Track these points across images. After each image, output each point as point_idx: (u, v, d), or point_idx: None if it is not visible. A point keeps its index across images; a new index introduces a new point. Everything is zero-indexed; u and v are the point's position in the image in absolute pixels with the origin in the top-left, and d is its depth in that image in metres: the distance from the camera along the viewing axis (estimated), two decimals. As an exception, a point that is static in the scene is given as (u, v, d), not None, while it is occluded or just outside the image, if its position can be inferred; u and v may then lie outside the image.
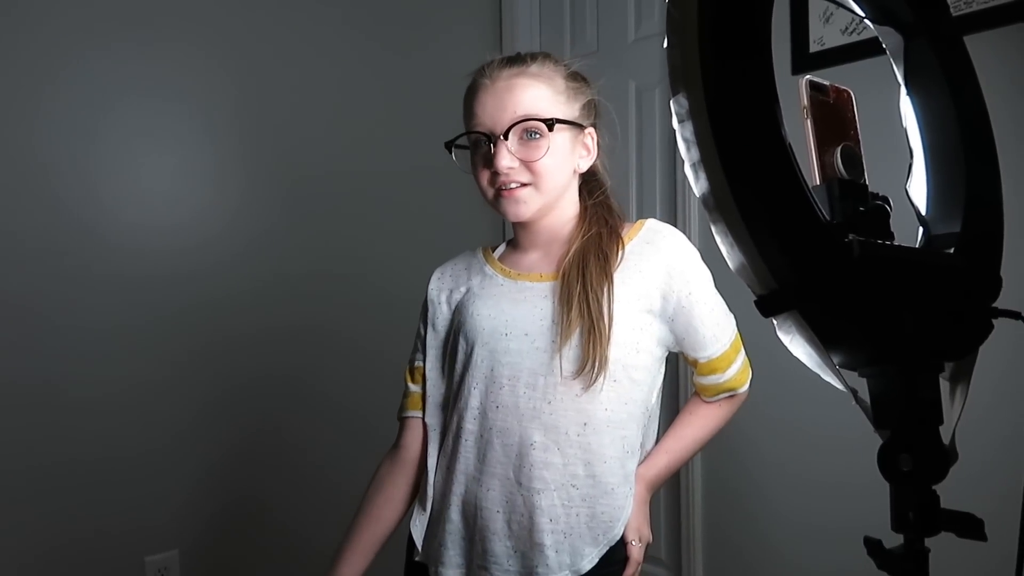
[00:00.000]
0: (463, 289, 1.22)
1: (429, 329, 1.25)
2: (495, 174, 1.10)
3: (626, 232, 1.17)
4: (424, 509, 1.19)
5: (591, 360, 1.07)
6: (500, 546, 1.10)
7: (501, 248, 1.27)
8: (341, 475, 2.30)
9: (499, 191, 1.12)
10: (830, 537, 1.92)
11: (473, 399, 1.14)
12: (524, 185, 1.11)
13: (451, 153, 1.15)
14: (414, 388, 1.27)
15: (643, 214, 2.44)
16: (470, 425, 1.14)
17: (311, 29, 2.31)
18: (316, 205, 2.30)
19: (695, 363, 1.19)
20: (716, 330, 1.16)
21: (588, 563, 1.11)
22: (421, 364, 1.27)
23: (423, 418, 1.24)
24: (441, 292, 1.26)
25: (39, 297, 1.85)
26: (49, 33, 1.85)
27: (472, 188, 1.17)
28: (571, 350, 1.08)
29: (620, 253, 1.14)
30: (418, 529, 1.20)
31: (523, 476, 1.09)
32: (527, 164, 1.10)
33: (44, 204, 1.85)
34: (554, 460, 1.09)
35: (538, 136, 1.10)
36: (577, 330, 1.08)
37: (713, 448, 2.20)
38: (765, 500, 2.10)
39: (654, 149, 2.43)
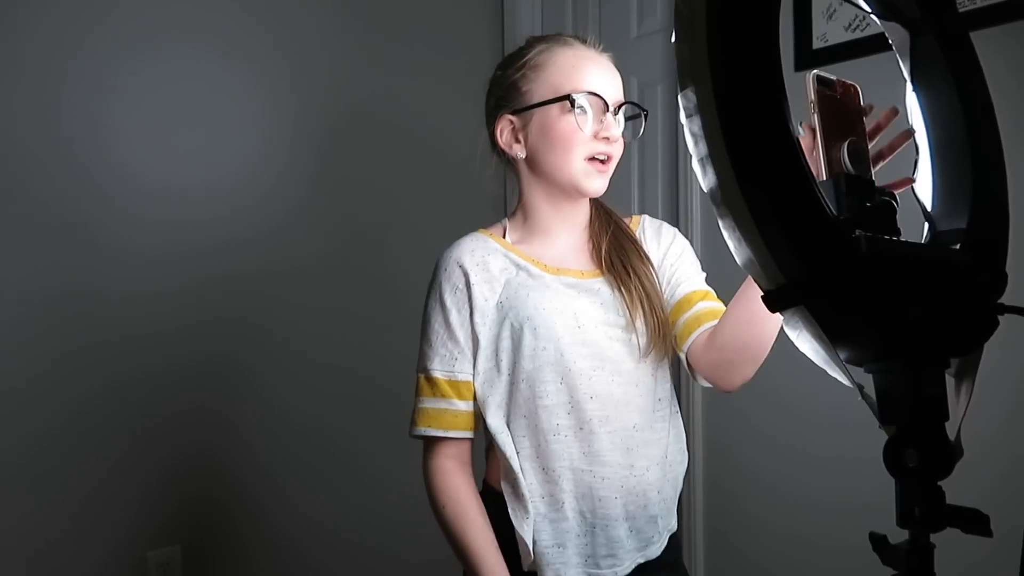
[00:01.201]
0: (501, 280, 1.17)
1: (480, 330, 1.16)
2: (598, 141, 1.14)
3: (629, 223, 1.28)
4: (528, 514, 1.12)
5: (661, 342, 1.17)
6: (621, 530, 1.14)
7: (510, 235, 1.24)
8: (348, 470, 2.31)
9: (592, 160, 1.15)
10: (831, 528, 1.92)
11: (561, 394, 1.12)
12: (608, 160, 1.17)
13: (573, 107, 1.12)
14: (464, 407, 1.17)
15: (645, 211, 2.45)
16: (563, 420, 1.12)
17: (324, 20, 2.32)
18: (334, 184, 2.32)
19: (691, 298, 1.20)
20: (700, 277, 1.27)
21: (675, 521, 1.25)
22: (465, 379, 1.17)
23: (483, 427, 1.18)
24: (483, 286, 1.17)
25: (60, 267, 1.84)
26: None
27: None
28: (643, 336, 1.16)
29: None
30: (528, 535, 1.12)
31: (632, 458, 1.14)
32: (617, 142, 1.17)
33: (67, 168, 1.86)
34: (651, 437, 1.17)
35: (633, 120, 1.20)
36: (641, 316, 1.16)
37: (714, 442, 2.22)
38: (766, 492, 2.10)
39: (656, 146, 2.43)
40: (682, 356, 1.21)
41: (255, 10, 2.17)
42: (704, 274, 1.27)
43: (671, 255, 1.25)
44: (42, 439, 1.83)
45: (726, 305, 1.16)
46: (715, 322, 1.16)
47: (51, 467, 1.84)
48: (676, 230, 1.30)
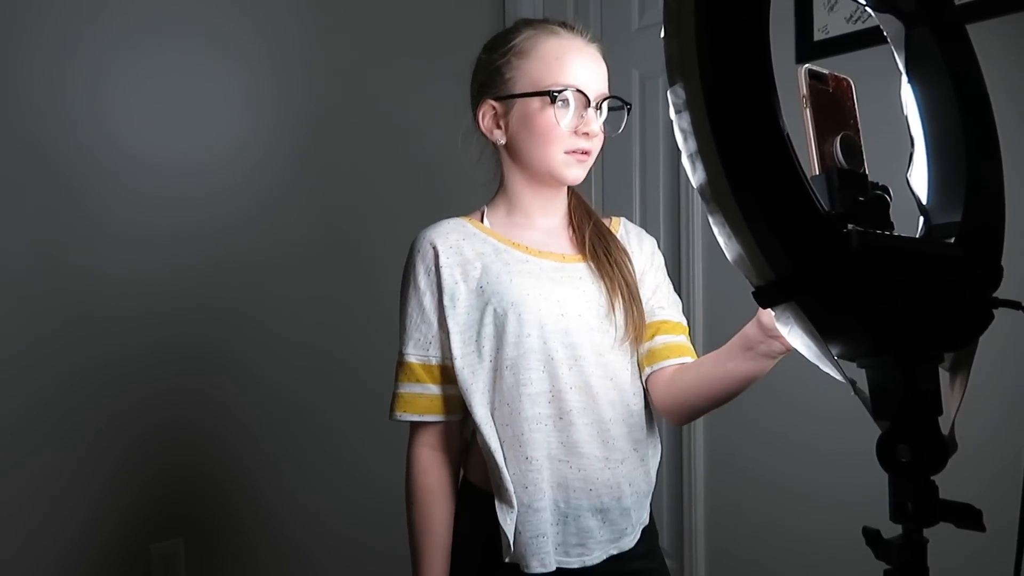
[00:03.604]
0: (478, 265, 1.15)
1: (450, 313, 1.14)
2: (578, 137, 1.13)
3: (609, 224, 1.28)
4: (513, 506, 1.11)
5: (635, 335, 1.18)
6: (593, 521, 1.15)
7: (488, 220, 1.23)
8: (350, 463, 2.32)
9: (571, 153, 1.14)
10: (831, 524, 1.92)
11: (542, 383, 1.12)
12: (588, 153, 1.16)
13: (553, 103, 1.11)
14: (435, 389, 1.17)
15: (646, 204, 2.46)
16: (543, 409, 1.12)
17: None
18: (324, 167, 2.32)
19: (671, 327, 1.23)
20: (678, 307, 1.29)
21: (647, 514, 1.24)
22: (440, 362, 1.17)
23: (457, 415, 1.19)
24: (454, 268, 1.16)
25: (56, 235, 1.85)
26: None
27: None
28: (620, 329, 1.17)
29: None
30: (510, 528, 1.11)
31: (607, 451, 1.15)
32: (596, 137, 1.16)
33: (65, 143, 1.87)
34: (624, 430, 1.17)
35: (616, 112, 1.18)
36: (620, 304, 1.16)
37: (716, 438, 2.22)
38: (766, 488, 2.10)
39: (657, 138, 2.42)
40: (642, 377, 1.22)
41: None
42: (680, 303, 1.29)
43: (655, 266, 1.27)
44: (43, 433, 1.83)
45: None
46: (683, 359, 1.19)
47: (53, 461, 1.84)
48: (653, 241, 1.31)
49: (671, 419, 1.22)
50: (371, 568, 2.34)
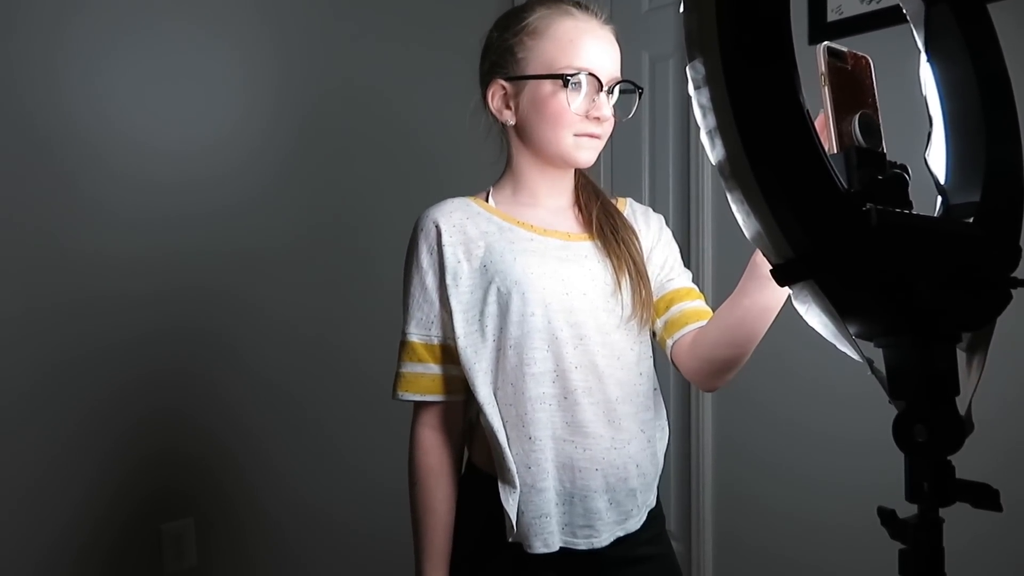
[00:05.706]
0: (481, 244, 1.15)
1: (452, 292, 1.14)
2: (588, 121, 1.12)
3: (616, 204, 1.27)
4: (515, 487, 1.10)
5: (643, 315, 1.17)
6: (601, 502, 1.14)
7: (494, 199, 1.22)
8: (358, 446, 2.33)
9: (581, 136, 1.13)
10: (840, 510, 1.93)
11: (547, 362, 1.11)
12: (597, 136, 1.15)
13: (566, 87, 1.10)
14: (436, 369, 1.17)
15: (655, 187, 2.45)
16: (547, 389, 1.11)
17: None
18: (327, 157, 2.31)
19: (685, 293, 1.23)
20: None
21: (654, 497, 1.23)
22: (441, 342, 1.16)
23: (459, 396, 1.19)
24: (457, 247, 1.15)
25: (49, 226, 1.84)
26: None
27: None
28: (627, 308, 1.16)
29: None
30: (513, 508, 1.11)
31: (614, 431, 1.14)
32: (607, 121, 1.15)
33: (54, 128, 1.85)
34: (631, 410, 1.16)
35: (627, 95, 1.17)
36: (627, 282, 1.15)
37: (725, 412, 2.22)
38: (775, 475, 2.10)
39: (667, 121, 2.41)
40: (667, 350, 1.22)
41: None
42: (690, 272, 1.29)
43: (663, 242, 1.26)
44: (54, 413, 1.84)
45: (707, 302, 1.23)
46: (701, 323, 1.19)
47: (64, 440, 1.86)
48: (662, 217, 1.31)
49: (703, 383, 1.21)
50: (376, 548, 2.35)
